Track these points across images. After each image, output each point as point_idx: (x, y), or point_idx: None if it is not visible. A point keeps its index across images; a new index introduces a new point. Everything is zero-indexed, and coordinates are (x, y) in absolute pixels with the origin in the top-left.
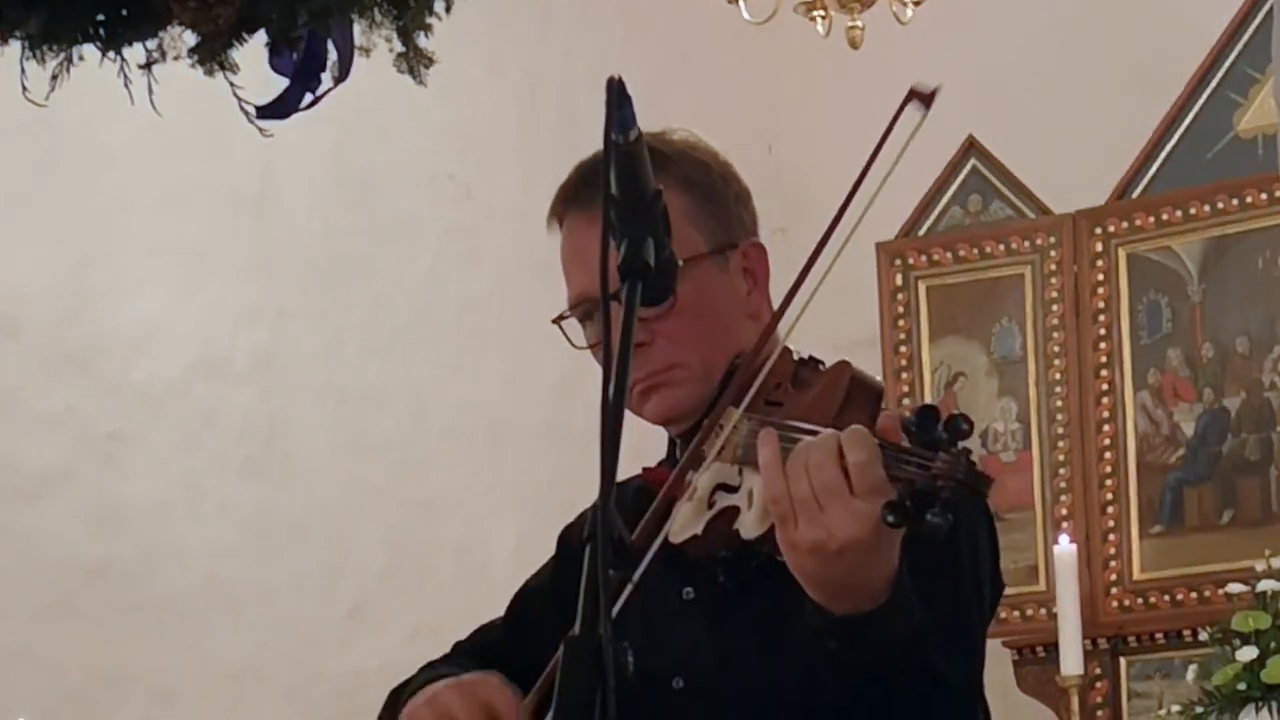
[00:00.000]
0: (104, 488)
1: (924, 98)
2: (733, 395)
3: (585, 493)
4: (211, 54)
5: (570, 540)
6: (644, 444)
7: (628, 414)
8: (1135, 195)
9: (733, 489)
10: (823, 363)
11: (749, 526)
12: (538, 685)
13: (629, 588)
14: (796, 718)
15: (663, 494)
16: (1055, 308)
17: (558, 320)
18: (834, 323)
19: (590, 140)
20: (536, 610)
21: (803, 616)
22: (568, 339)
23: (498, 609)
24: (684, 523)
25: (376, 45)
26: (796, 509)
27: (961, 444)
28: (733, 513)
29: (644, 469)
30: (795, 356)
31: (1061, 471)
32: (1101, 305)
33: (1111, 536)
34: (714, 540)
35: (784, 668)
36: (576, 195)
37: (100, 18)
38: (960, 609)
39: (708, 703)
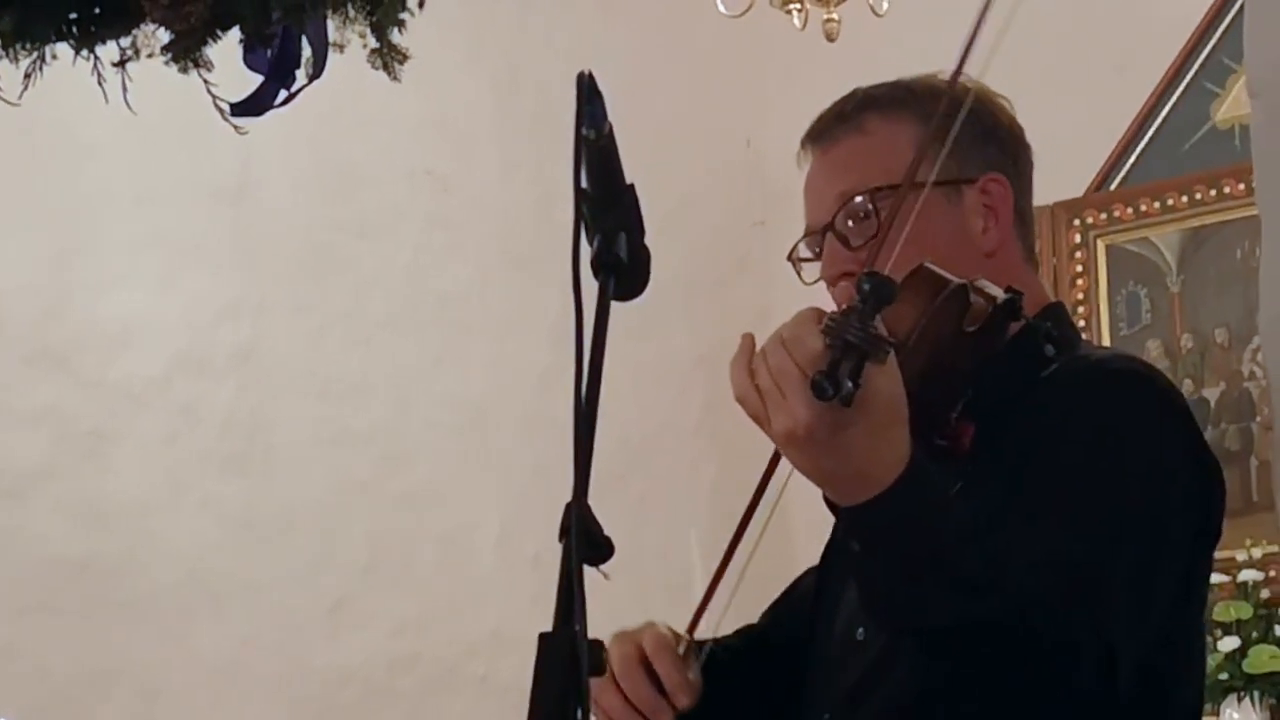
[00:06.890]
0: (86, 484)
1: None
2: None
3: (568, 485)
4: (185, 51)
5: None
6: (630, 437)
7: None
8: (1113, 187)
9: None
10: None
11: None
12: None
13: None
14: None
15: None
16: None
17: (792, 260)
18: None
19: (570, 134)
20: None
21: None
22: (799, 277)
23: (482, 601)
24: None
25: (350, 41)
26: (765, 402)
27: (865, 303)
28: None
29: None
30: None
31: None
32: (1080, 297)
33: None
34: None
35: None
36: (814, 130)
37: (73, 16)
38: (1081, 542)
39: (882, 651)
